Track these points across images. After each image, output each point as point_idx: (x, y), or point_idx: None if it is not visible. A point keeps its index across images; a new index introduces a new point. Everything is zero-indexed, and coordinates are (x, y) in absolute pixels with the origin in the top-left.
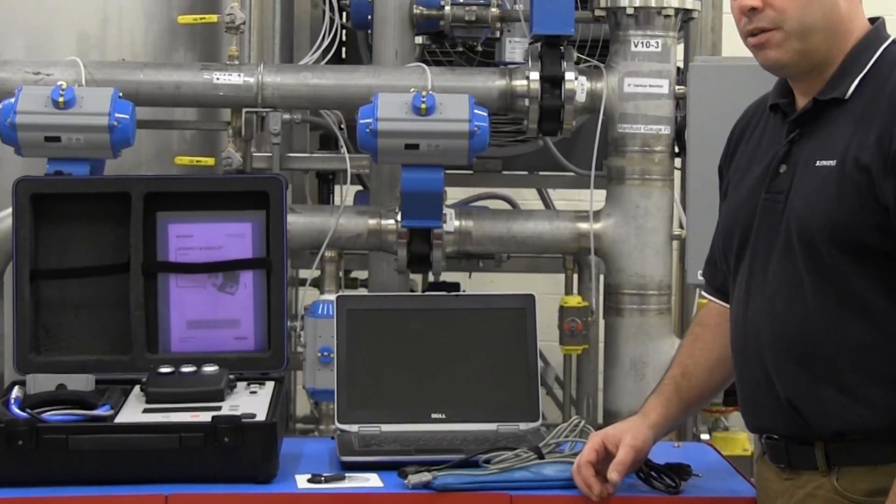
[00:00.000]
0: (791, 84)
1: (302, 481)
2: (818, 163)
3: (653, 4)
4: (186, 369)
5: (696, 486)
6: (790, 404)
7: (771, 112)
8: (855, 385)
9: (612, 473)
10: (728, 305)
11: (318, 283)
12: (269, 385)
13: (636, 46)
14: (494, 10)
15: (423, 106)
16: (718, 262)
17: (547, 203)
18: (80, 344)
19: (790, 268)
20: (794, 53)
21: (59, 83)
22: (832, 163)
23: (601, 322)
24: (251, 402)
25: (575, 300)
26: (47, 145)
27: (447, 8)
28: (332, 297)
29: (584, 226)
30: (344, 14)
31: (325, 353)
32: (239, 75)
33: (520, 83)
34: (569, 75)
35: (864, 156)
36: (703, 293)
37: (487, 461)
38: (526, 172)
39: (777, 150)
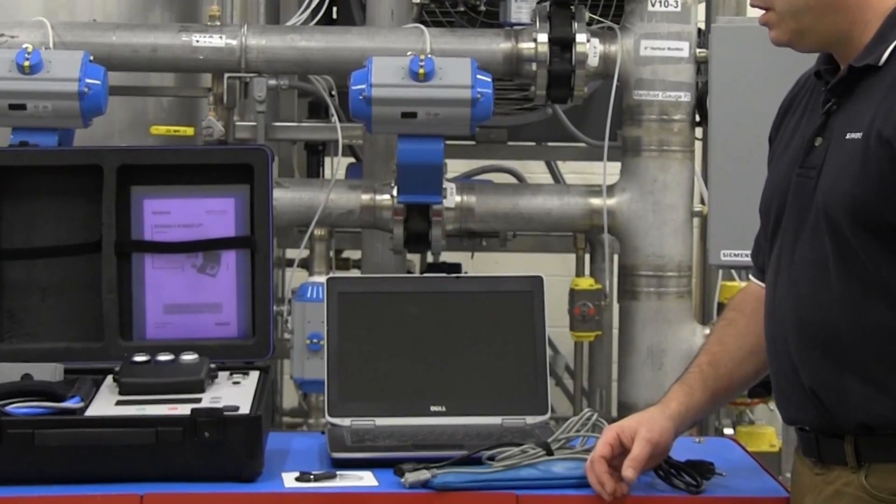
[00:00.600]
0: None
1: (289, 480)
2: (847, 135)
3: None
4: (163, 358)
5: (720, 486)
6: (814, 394)
7: (816, 79)
8: (880, 376)
9: (627, 470)
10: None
11: (306, 264)
12: (254, 375)
13: (654, 6)
14: None
15: (422, 71)
16: (762, 241)
17: (556, 177)
18: (48, 330)
19: (817, 249)
20: (792, 33)
21: (24, 46)
22: (858, 136)
23: (615, 306)
24: (234, 393)
25: (587, 282)
26: (11, 114)
27: None
28: (322, 279)
29: (596, 201)
30: None
31: (315, 340)
32: (220, 37)
33: (527, 46)
34: (580, 37)
35: (886, 128)
36: (750, 276)
37: (491, 458)
38: (533, 143)
39: (815, 122)
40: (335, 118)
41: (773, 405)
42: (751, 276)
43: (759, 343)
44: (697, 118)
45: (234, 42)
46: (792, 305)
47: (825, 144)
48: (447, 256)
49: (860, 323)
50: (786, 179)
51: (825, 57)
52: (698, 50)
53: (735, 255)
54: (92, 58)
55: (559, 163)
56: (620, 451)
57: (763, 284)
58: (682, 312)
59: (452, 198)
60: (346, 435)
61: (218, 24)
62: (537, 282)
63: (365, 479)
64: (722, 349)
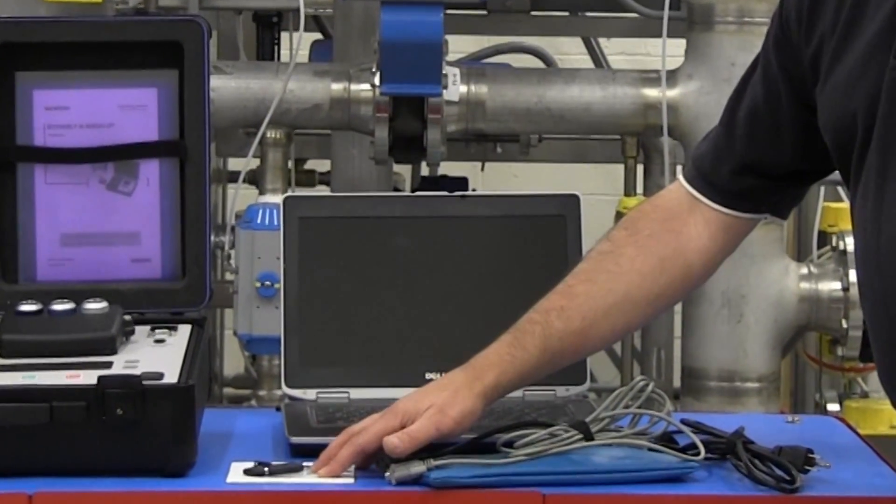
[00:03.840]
0: None
1: (234, 474)
2: None
3: None
4: (60, 307)
5: (822, 481)
6: None
7: None
8: None
9: (392, 438)
10: (712, 205)
11: (256, 179)
12: (184, 330)
13: None
14: None
15: None
16: (725, 142)
17: (598, 59)
18: None
19: None
20: None
21: None
22: None
23: None
24: (157, 355)
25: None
26: None
27: None
28: (278, 198)
29: (652, 92)
30: None
31: (267, 283)
32: None
33: None
34: None
35: None
36: (679, 176)
37: (509, 444)
38: (566, 13)
39: None
40: None
41: None
42: (679, 177)
43: (643, 285)
44: None
45: None
46: None
47: None
48: (448, 168)
49: None
50: (865, 78)
51: None
52: None
53: None
54: None
55: (602, 40)
56: None
57: (696, 192)
58: (770, 244)
59: (456, 88)
60: (309, 412)
61: None
62: (572, 203)
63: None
64: (586, 291)
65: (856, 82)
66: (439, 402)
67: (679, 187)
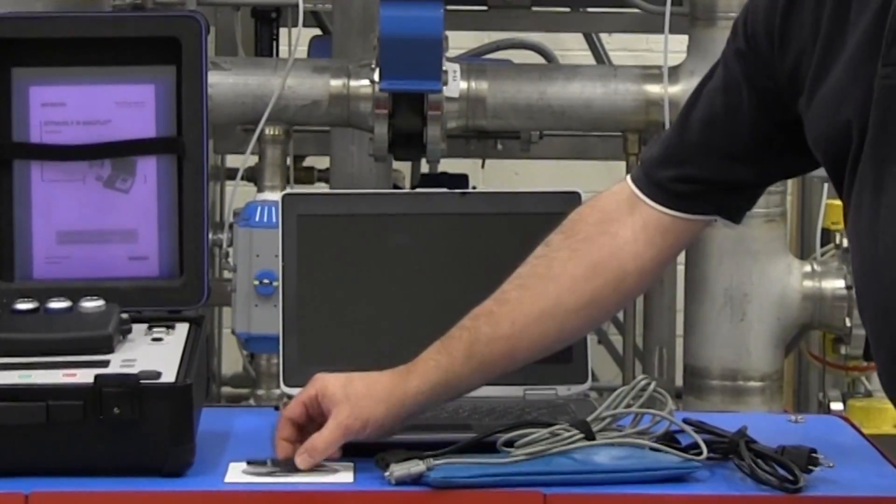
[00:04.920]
0: None
1: (233, 473)
2: None
3: None
4: (56, 305)
5: (825, 481)
6: None
7: None
8: None
9: (301, 457)
10: (652, 204)
11: (254, 176)
12: (182, 329)
13: None
14: None
15: None
16: (677, 145)
17: (599, 55)
18: None
19: None
20: None
21: None
22: None
23: None
24: (154, 354)
25: None
26: None
27: None
28: (277, 195)
29: (654, 89)
30: None
31: (266, 282)
32: None
33: None
34: None
35: None
36: (628, 178)
37: (509, 443)
38: (567, 9)
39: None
40: None
41: None
42: (628, 179)
43: (575, 289)
44: None
45: None
46: None
47: None
48: (448, 165)
49: None
50: (854, 86)
51: None
52: None
53: None
54: None
55: (603, 36)
56: (319, 412)
57: (637, 190)
58: (773, 241)
59: (456, 84)
60: None
61: None
62: (573, 200)
63: (337, 473)
64: (518, 296)
65: (845, 93)
66: (350, 410)
67: (623, 188)
